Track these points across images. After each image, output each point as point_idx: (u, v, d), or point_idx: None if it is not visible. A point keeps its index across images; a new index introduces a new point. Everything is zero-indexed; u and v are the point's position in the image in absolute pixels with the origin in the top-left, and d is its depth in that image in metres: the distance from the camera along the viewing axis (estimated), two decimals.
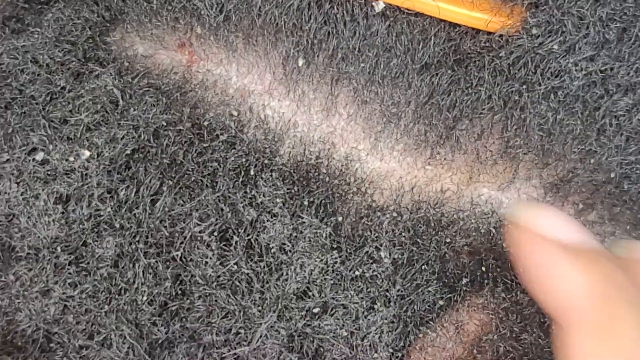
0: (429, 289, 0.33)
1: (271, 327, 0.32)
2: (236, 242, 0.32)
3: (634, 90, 0.32)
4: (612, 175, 0.32)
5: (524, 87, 0.32)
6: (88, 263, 0.31)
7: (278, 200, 0.32)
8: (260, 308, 0.32)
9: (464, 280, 0.33)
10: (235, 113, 0.33)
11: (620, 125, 0.32)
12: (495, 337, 0.32)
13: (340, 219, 0.33)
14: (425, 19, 0.32)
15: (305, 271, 0.32)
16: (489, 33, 0.32)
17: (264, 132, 0.33)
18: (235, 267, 0.32)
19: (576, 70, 0.32)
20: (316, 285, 0.32)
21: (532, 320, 0.32)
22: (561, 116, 0.32)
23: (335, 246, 0.32)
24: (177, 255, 0.32)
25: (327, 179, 0.33)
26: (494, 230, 0.33)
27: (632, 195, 0.33)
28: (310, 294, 0.32)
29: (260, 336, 0.31)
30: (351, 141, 0.33)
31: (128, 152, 0.32)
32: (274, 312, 0.31)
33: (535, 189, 0.33)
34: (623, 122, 0.32)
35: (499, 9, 0.32)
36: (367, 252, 0.32)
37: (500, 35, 0.32)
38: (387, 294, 0.32)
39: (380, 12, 0.32)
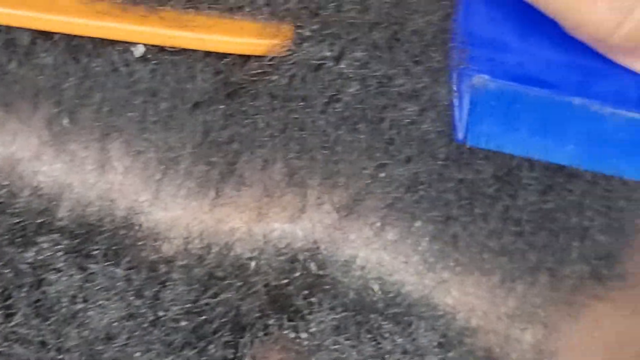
0: (224, 336, 0.31)
1: None
2: (19, 300, 0.30)
3: (417, 98, 0.31)
4: (406, 187, 0.32)
5: (302, 104, 0.31)
6: None
7: (60, 255, 0.30)
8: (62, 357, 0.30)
9: (260, 323, 0.31)
10: (6, 183, 0.31)
11: (408, 135, 0.31)
12: None
13: (134, 264, 0.31)
14: (190, 55, 0.31)
15: (105, 316, 0.30)
16: (261, 57, 0.31)
17: (38, 198, 0.31)
18: (24, 322, 0.30)
19: (350, 76, 0.31)
20: (117, 329, 0.30)
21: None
22: (343, 131, 0.31)
23: (133, 290, 0.31)
24: None
25: (112, 234, 0.31)
26: (287, 266, 0.31)
27: (428, 207, 0.32)
28: (113, 338, 0.31)
29: None
30: (131, 194, 0.31)
31: None
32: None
33: (329, 214, 0.32)
34: (410, 132, 0.32)
35: (265, 30, 0.31)
36: (161, 297, 0.31)
37: (273, 58, 0.31)
38: (185, 339, 0.30)
39: (142, 57, 0.31)
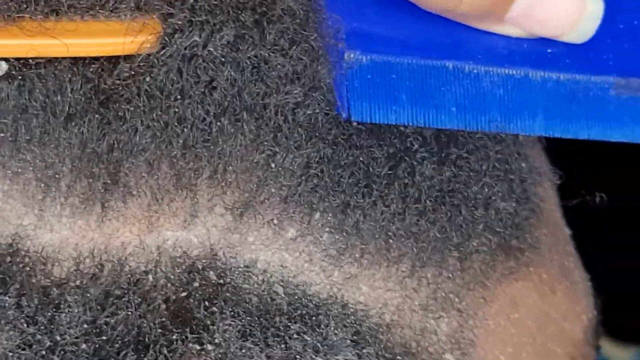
0: (128, 356, 0.29)
1: None
2: None
3: (299, 80, 0.31)
4: (299, 176, 0.31)
5: (180, 98, 0.30)
6: None
7: None
8: None
9: (163, 339, 0.30)
10: None
11: (295, 121, 0.31)
12: None
13: (24, 290, 0.29)
14: (57, 66, 0.30)
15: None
16: (132, 57, 0.30)
17: None
18: None
19: (222, 60, 0.30)
20: (13, 359, 0.29)
21: None
22: (225, 123, 0.30)
23: (25, 317, 0.29)
24: None
25: None
26: (185, 277, 0.30)
27: (325, 195, 0.31)
28: None
29: None
30: (13, 219, 0.30)
31: None
32: None
33: (222, 217, 0.30)
34: (297, 117, 0.31)
35: (132, 27, 0.30)
36: (57, 322, 0.29)
37: (143, 55, 0.30)
38: None
39: (6, 74, 0.30)
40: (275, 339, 0.30)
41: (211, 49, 0.30)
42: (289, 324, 0.30)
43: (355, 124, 0.31)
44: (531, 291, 0.34)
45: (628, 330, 1.06)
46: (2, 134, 0.29)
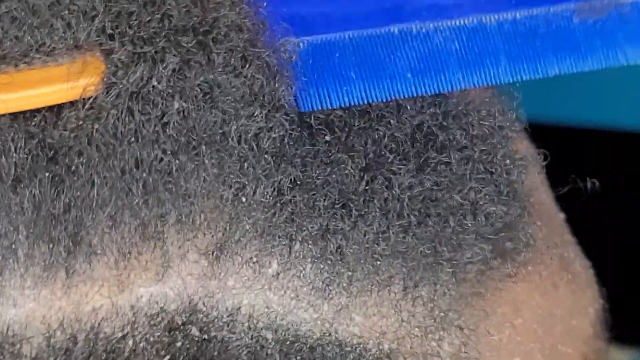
0: None
1: None
2: None
3: (258, 101, 0.29)
4: (272, 206, 0.29)
5: (134, 140, 0.28)
6: None
7: None
8: None
9: None
10: None
11: (260, 147, 0.29)
12: None
13: None
14: None
15: None
16: (75, 103, 0.28)
17: None
18: None
19: (169, 92, 0.28)
20: None
21: None
22: (184, 160, 0.28)
23: None
24: None
25: None
26: (166, 337, 0.28)
27: (302, 223, 0.29)
28: None
29: None
30: None
31: None
32: None
33: (198, 263, 0.28)
34: (261, 142, 0.29)
35: (72, 70, 0.28)
36: None
37: (88, 99, 0.28)
38: None
39: None
40: None
41: (155, 82, 0.28)
42: None
43: (326, 138, 0.29)
44: (533, 292, 0.32)
45: (627, 331, 1.05)
46: None
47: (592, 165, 1.17)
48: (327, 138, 0.29)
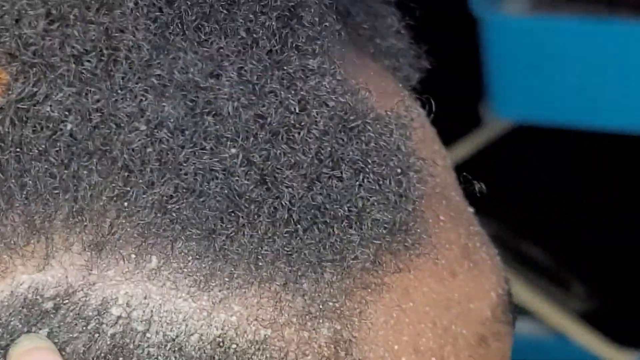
0: None
1: None
2: None
3: (142, 115, 0.30)
4: (156, 211, 0.30)
5: (19, 150, 0.30)
6: None
7: None
8: None
9: None
10: None
11: (144, 160, 0.30)
12: None
13: None
14: None
15: None
16: None
17: None
18: None
19: (68, 110, 0.29)
20: None
21: None
22: (70, 169, 0.29)
23: None
24: None
25: None
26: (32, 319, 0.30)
27: (187, 225, 0.30)
28: None
29: None
30: None
31: None
32: None
33: (81, 256, 0.30)
34: (145, 156, 0.30)
35: None
36: None
37: None
38: None
39: None
40: None
41: (53, 101, 0.29)
42: (151, 349, 0.30)
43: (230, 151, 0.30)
44: (426, 279, 0.33)
45: (629, 334, 1.04)
46: None
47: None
48: (232, 150, 0.30)
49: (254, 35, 0.31)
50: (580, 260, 1.11)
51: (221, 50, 0.31)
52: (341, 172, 0.31)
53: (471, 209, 0.37)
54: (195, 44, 0.31)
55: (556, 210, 1.14)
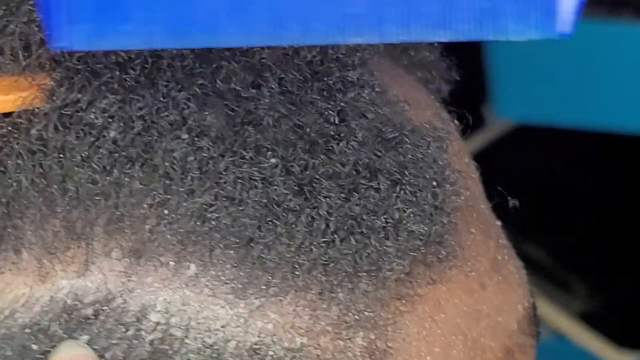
0: None
1: None
2: None
3: (185, 124, 0.30)
4: (196, 219, 0.30)
5: (61, 155, 0.30)
6: None
7: None
8: None
9: None
10: None
11: (185, 168, 0.30)
12: None
13: None
14: None
15: None
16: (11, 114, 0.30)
17: None
18: None
19: (111, 118, 0.30)
20: None
21: None
22: (115, 176, 0.30)
23: None
24: None
25: None
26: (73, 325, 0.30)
27: (226, 233, 0.30)
28: None
29: None
30: None
31: None
32: None
33: (119, 261, 0.30)
34: (187, 164, 0.30)
35: (16, 85, 0.30)
36: None
37: (23, 111, 0.30)
38: None
39: None
40: None
41: (96, 108, 0.30)
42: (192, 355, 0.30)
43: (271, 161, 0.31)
44: (458, 291, 0.33)
45: (629, 334, 1.05)
46: None
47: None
48: (272, 160, 0.31)
49: (295, 46, 0.31)
50: (581, 261, 1.11)
51: (263, 60, 0.31)
52: (378, 183, 0.31)
53: (499, 222, 0.37)
54: (238, 53, 0.31)
55: (558, 210, 1.14)
